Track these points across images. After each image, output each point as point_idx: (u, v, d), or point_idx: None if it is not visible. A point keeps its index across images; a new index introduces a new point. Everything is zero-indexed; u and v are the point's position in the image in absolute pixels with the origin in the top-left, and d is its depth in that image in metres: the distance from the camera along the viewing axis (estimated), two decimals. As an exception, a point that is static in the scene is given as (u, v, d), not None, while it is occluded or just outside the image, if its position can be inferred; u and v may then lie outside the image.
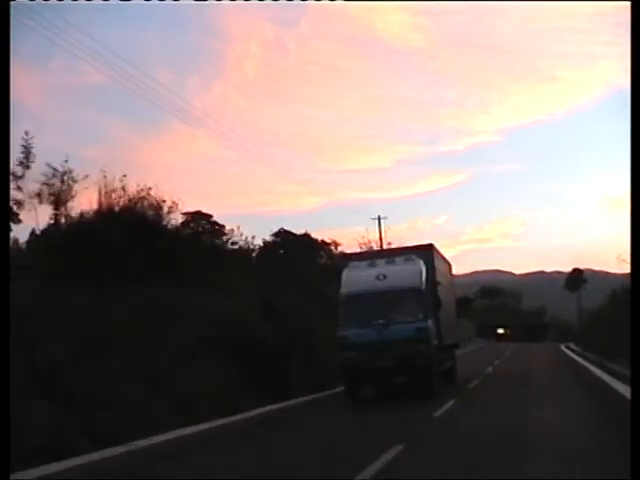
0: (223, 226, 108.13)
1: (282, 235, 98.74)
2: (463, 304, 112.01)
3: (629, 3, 7.28)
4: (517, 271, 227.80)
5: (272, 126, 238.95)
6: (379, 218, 59.89)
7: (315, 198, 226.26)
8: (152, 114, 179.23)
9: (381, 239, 57.83)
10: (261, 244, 50.98)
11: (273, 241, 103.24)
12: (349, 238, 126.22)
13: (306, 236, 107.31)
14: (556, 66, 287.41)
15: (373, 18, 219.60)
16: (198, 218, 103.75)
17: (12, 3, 8.49)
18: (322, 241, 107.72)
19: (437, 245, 23.36)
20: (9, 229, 13.98)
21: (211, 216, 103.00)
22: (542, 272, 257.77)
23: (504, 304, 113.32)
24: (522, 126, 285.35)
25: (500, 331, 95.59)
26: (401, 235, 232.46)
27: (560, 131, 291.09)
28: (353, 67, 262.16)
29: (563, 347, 57.39)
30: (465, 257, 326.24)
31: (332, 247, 60.61)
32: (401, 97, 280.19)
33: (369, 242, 54.81)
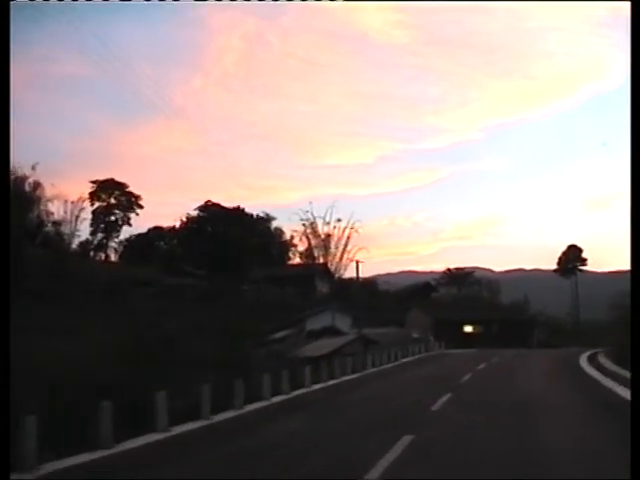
0: (139, 197, 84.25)
1: (209, 208, 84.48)
2: (421, 293, 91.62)
3: (629, 3, 7.41)
4: (497, 268, 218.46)
5: (252, 120, 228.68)
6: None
7: (294, 193, 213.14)
8: (132, 106, 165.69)
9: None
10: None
11: (198, 216, 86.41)
12: (290, 213, 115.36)
13: (238, 210, 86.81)
14: (538, 65, 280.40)
15: (356, 13, 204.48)
16: (110, 187, 77.74)
17: (12, 3, 8.33)
18: (257, 216, 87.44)
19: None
20: (9, 229, 9.30)
21: (126, 186, 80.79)
22: (522, 270, 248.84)
23: (475, 296, 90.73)
24: (504, 124, 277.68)
25: (468, 329, 72.56)
26: (380, 231, 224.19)
27: (542, 130, 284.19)
28: (335, 62, 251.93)
29: (594, 370, 30.87)
30: (445, 254, 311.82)
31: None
32: (383, 93, 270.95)
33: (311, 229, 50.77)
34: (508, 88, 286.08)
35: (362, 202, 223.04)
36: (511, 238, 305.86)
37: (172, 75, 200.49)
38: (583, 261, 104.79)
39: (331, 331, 53.09)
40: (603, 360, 32.60)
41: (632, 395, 7.03)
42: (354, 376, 26.91)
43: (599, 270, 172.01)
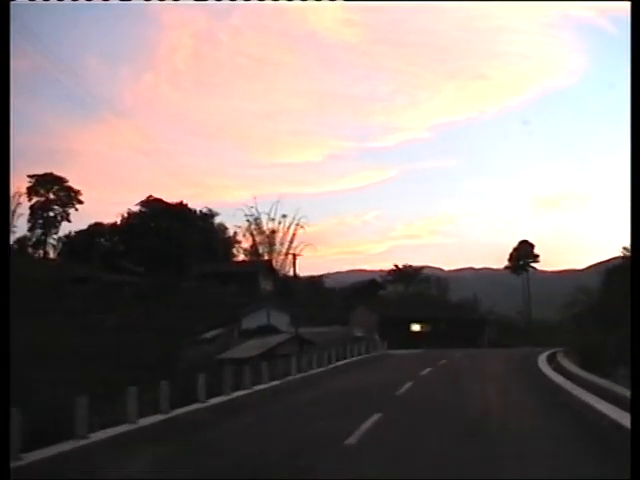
0: (78, 192, 76.68)
1: (151, 204, 79.34)
2: (368, 291, 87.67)
3: (629, 3, 7.35)
4: (446, 267, 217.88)
5: (203, 118, 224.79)
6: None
7: (243, 192, 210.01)
8: (80, 104, 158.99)
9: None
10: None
11: (140, 212, 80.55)
12: (234, 209, 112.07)
13: (181, 205, 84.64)
14: (487, 65, 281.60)
15: (306, 12, 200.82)
16: (49, 181, 74.13)
17: (12, 3, 8.37)
18: (200, 212, 72.97)
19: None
20: (9, 229, 3.62)
21: (65, 180, 74.52)
22: (472, 268, 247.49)
23: (424, 294, 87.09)
24: (453, 123, 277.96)
25: (415, 328, 68.74)
26: (329, 230, 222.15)
27: (491, 129, 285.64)
28: (285, 61, 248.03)
29: (551, 370, 27.67)
30: (395, 253, 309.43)
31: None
32: (333, 92, 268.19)
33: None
34: (458, 87, 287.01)
35: (312, 201, 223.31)
36: (461, 237, 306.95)
37: (122, 72, 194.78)
38: (535, 257, 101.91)
39: (267, 330, 48.88)
40: (566, 363, 28.67)
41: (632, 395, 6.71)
42: (268, 385, 21.84)
43: (549, 269, 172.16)
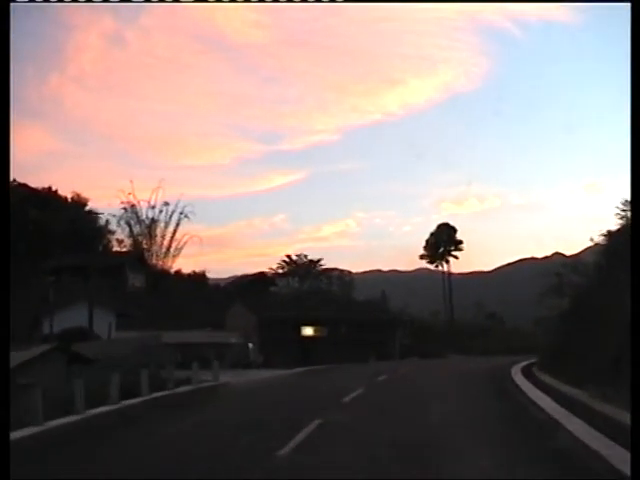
0: None
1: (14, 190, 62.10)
2: (257, 287, 72.10)
3: (629, 4, 7.33)
4: (354, 269, 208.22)
5: (109, 120, 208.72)
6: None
7: (147, 194, 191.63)
8: None
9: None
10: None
11: None
12: (110, 196, 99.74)
13: (49, 191, 71.92)
14: (395, 68, 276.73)
15: (215, 13, 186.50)
16: None
17: (12, 4, 8.33)
18: (72, 198, 73.20)
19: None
20: (9, 229, 8.88)
21: None
22: (379, 271, 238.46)
23: (323, 291, 71.96)
24: (361, 126, 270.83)
25: (307, 332, 53.24)
26: (237, 233, 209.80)
27: (398, 132, 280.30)
28: (193, 62, 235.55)
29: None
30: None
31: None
32: (241, 94, 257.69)
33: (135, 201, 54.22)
34: (366, 90, 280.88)
35: (219, 203, 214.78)
36: (367, 239, 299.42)
37: (27, 72, 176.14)
38: (457, 244, 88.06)
39: (77, 335, 32.88)
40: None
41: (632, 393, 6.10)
42: None
43: (456, 271, 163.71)
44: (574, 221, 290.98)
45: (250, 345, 41.88)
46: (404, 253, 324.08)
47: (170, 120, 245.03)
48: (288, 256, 75.32)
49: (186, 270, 75.82)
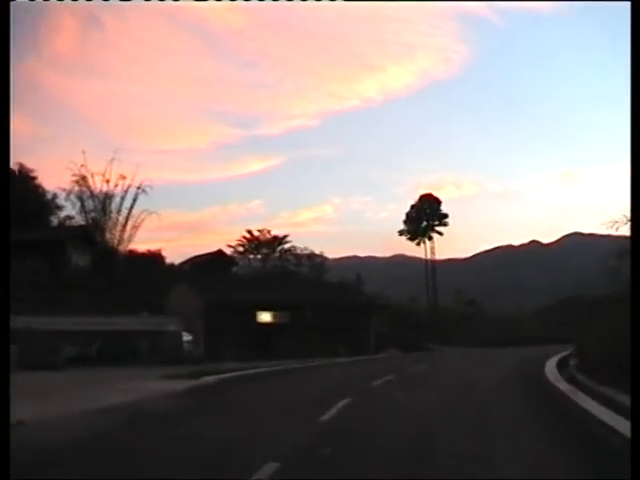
0: None
1: None
2: (215, 266, 62.58)
3: (629, 3, 7.14)
4: (331, 255, 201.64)
5: (84, 103, 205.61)
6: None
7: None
8: None
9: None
10: None
11: None
12: (61, 169, 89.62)
13: None
14: (374, 54, 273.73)
15: None
16: None
17: (12, 3, 7.90)
18: (18, 171, 64.43)
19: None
20: (9, 229, 8.16)
21: None
22: (356, 257, 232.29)
23: (289, 271, 63.01)
24: (339, 111, 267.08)
25: (265, 318, 43.79)
26: (212, 218, 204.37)
27: (376, 118, 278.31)
28: (170, 45, 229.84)
29: None
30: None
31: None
32: (219, 78, 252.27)
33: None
34: (344, 76, 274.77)
35: (196, 188, 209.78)
36: (344, 225, 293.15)
37: None
38: (442, 218, 79.11)
39: None
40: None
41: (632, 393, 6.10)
42: None
43: (433, 258, 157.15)
44: (550, 209, 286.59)
45: (185, 335, 33.48)
46: (381, 239, 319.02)
47: (146, 104, 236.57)
48: (249, 231, 66.02)
49: (142, 249, 67.18)
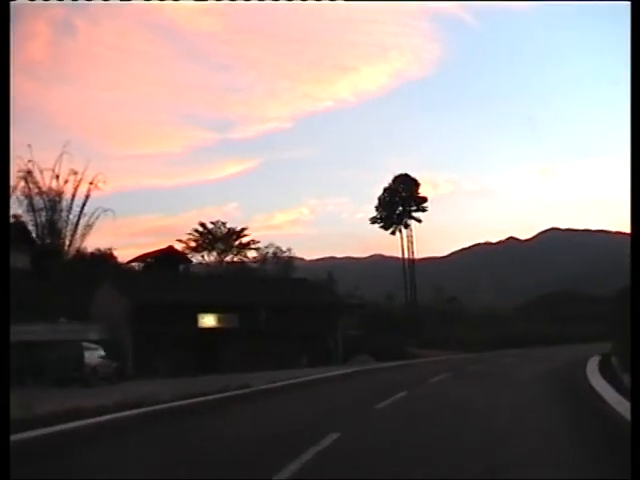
0: None
1: None
2: (166, 264, 53.75)
3: (629, 3, 6.94)
4: (308, 257, 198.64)
5: (56, 109, 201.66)
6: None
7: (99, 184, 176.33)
8: None
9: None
10: None
11: None
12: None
13: None
14: (347, 55, 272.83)
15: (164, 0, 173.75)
16: None
17: (12, 3, 7.97)
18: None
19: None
20: (9, 229, 8.87)
21: None
22: (333, 258, 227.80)
23: (250, 268, 55.78)
24: (313, 113, 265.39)
25: (208, 321, 34.86)
26: (189, 222, 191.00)
27: (350, 119, 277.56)
28: (143, 49, 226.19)
29: None
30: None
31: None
32: (192, 81, 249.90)
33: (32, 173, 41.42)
34: (318, 77, 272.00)
35: (170, 192, 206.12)
36: (320, 227, 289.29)
37: None
38: (420, 203, 70.89)
39: None
40: None
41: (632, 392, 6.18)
42: None
43: (413, 257, 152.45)
44: (527, 206, 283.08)
45: (92, 346, 26.24)
46: (358, 239, 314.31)
47: (120, 109, 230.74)
48: (202, 224, 58.44)
49: (91, 249, 60.10)
